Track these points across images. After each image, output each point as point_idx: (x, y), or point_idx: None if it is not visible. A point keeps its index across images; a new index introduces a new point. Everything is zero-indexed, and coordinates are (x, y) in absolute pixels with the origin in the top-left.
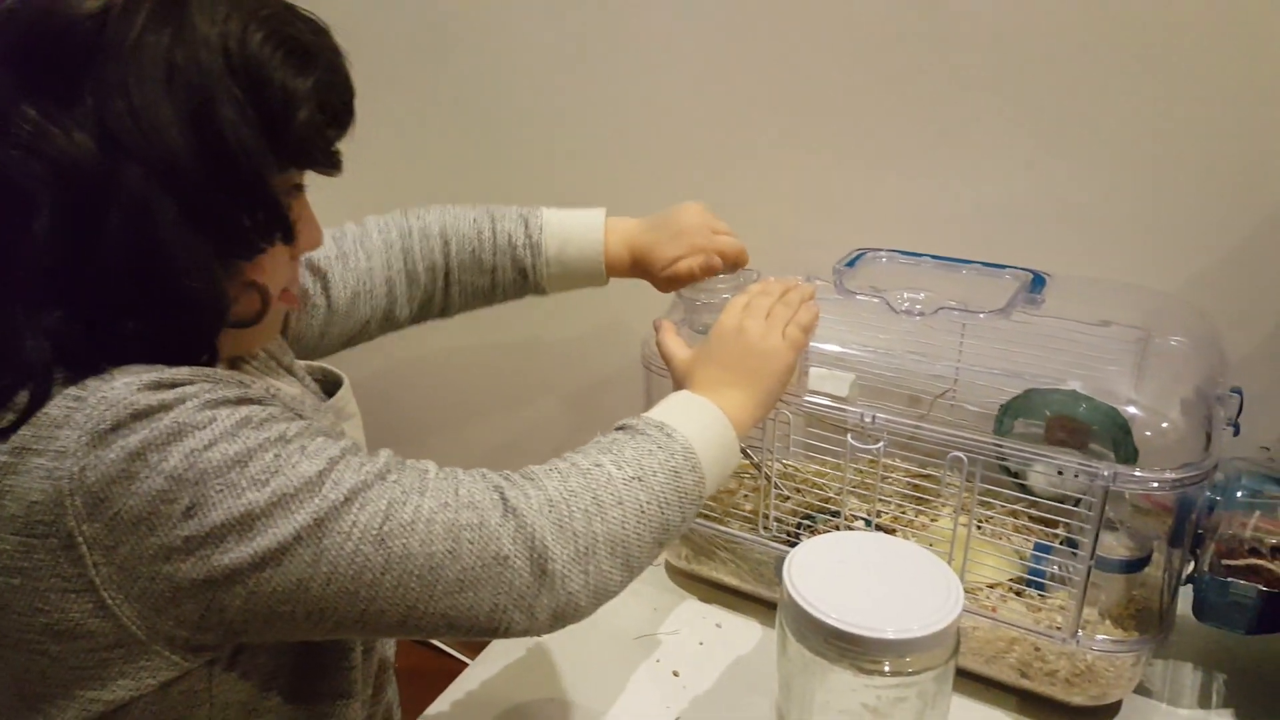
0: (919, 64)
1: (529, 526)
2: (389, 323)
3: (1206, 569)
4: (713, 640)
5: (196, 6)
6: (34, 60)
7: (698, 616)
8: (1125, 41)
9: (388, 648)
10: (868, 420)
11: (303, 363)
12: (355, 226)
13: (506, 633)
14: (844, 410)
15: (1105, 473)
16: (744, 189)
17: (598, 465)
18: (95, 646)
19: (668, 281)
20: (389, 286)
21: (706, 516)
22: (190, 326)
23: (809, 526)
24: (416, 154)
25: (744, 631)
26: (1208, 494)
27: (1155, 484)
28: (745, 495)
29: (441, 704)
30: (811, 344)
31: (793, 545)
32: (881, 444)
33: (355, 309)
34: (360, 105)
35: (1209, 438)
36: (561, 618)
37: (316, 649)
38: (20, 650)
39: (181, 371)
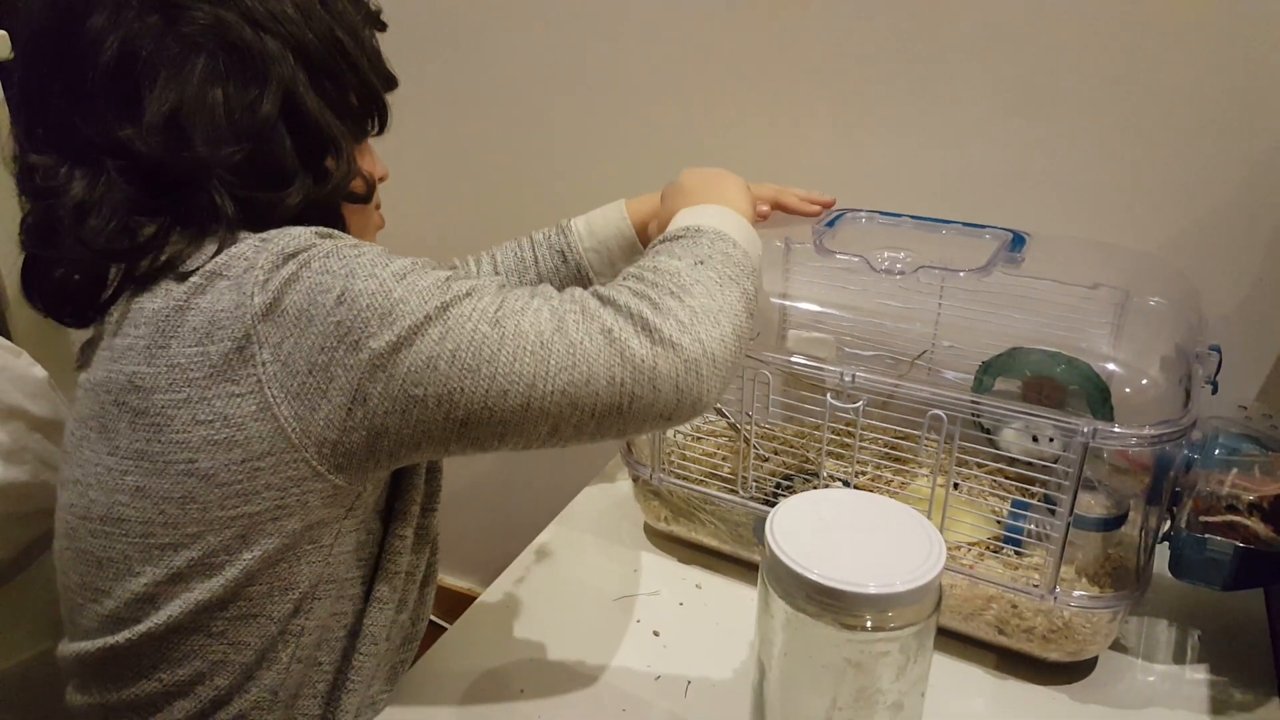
0: (899, 26)
1: (627, 307)
2: None
3: (1184, 526)
4: (693, 601)
5: None
6: None
7: (677, 577)
8: (1106, 3)
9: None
10: (847, 380)
11: None
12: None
13: (634, 412)
14: (823, 370)
15: (1085, 429)
16: (723, 151)
17: (657, 268)
18: (249, 455)
19: None
20: None
21: (685, 477)
22: (326, 187)
23: (787, 488)
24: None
25: (724, 592)
26: (1185, 452)
27: (1134, 440)
28: (724, 456)
29: (422, 667)
30: (790, 304)
31: (771, 506)
32: (861, 404)
33: None
34: None
35: (1188, 395)
36: (686, 390)
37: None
38: (168, 476)
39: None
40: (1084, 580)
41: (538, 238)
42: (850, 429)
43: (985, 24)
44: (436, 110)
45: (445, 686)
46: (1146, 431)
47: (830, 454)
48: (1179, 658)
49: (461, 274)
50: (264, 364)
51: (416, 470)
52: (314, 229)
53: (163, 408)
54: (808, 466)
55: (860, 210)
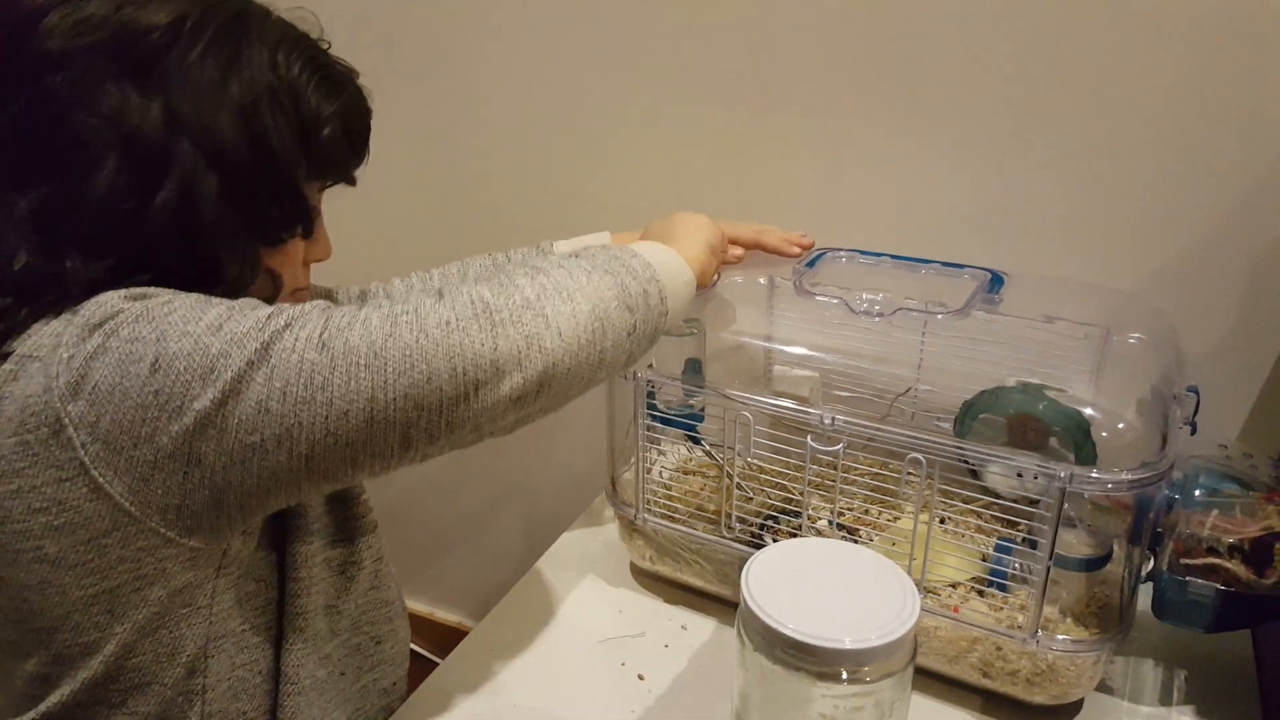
0: (879, 64)
1: (466, 295)
2: None
3: (1165, 568)
4: (678, 642)
5: (255, 33)
6: (121, 52)
7: (663, 618)
8: (1081, 43)
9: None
10: (827, 422)
11: None
12: (379, 281)
13: (482, 401)
14: (804, 412)
15: (1062, 474)
16: (702, 188)
17: (524, 261)
18: (93, 534)
19: None
20: None
21: (670, 518)
22: (210, 289)
23: (772, 527)
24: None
25: (709, 633)
26: (1166, 492)
27: (1111, 485)
28: (709, 495)
29: (411, 705)
30: (774, 345)
31: (756, 546)
32: (841, 445)
33: None
34: None
35: (1165, 438)
36: (530, 368)
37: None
38: (20, 565)
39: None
40: (1069, 621)
41: (516, 257)
42: (834, 469)
43: (963, 63)
44: (424, 118)
45: None
46: (1123, 476)
47: (815, 492)
48: (1165, 699)
49: (285, 307)
50: (83, 445)
51: (309, 507)
52: (125, 291)
53: (0, 501)
54: (792, 506)
55: (840, 249)
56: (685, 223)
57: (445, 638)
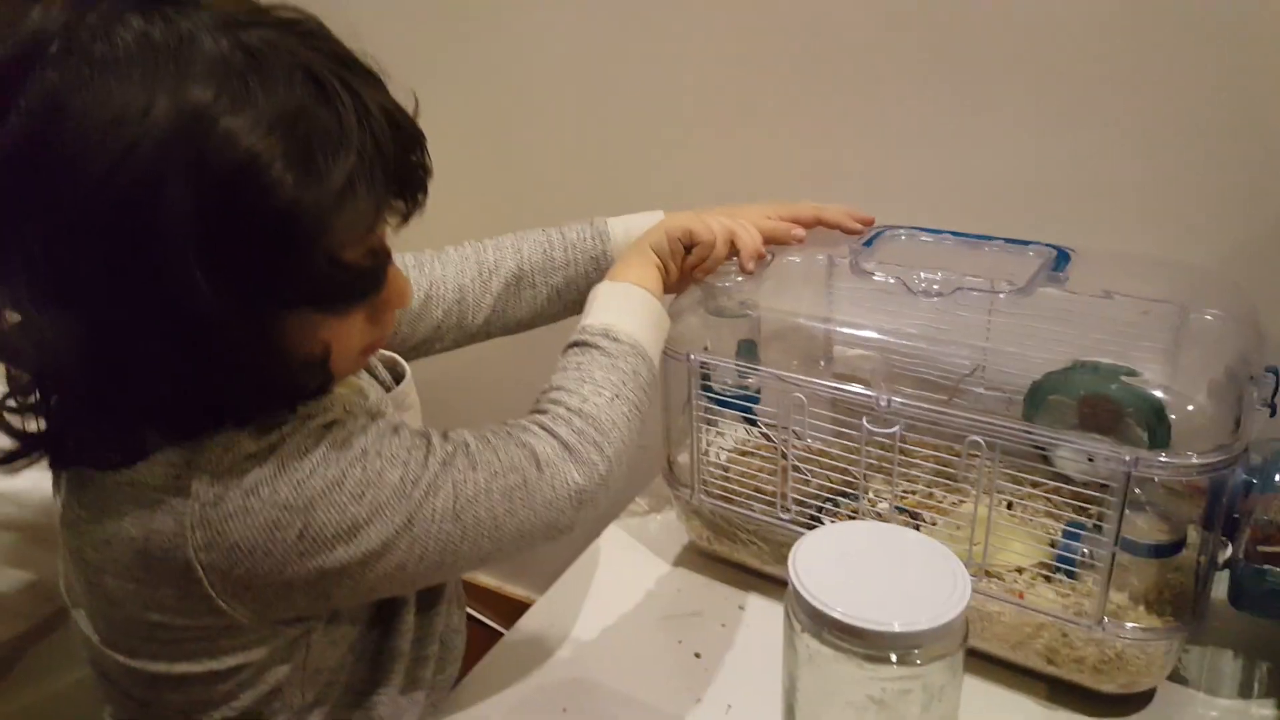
0: (938, 34)
1: (561, 475)
2: (462, 330)
3: (1242, 556)
4: (735, 622)
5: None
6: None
7: (721, 598)
8: (1152, 2)
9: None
10: (882, 404)
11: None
12: (432, 251)
13: (567, 531)
14: (858, 394)
15: (1126, 457)
16: (759, 167)
17: (585, 400)
18: (207, 634)
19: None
20: (460, 293)
21: (726, 499)
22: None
23: (831, 510)
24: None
25: (766, 613)
26: (1243, 476)
27: (1179, 469)
28: (766, 477)
29: (474, 678)
30: (834, 325)
31: (813, 527)
32: (898, 428)
33: (427, 311)
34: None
35: (1238, 420)
36: (603, 490)
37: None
38: (133, 638)
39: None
40: (1141, 608)
41: (571, 237)
42: (899, 449)
43: (1026, 30)
44: (475, 93)
45: (493, 701)
46: (1192, 460)
47: (879, 474)
48: (1245, 691)
49: (414, 449)
50: (212, 584)
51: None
52: (253, 439)
53: (113, 589)
54: (852, 489)
55: (900, 227)
56: (635, 245)
57: (514, 610)
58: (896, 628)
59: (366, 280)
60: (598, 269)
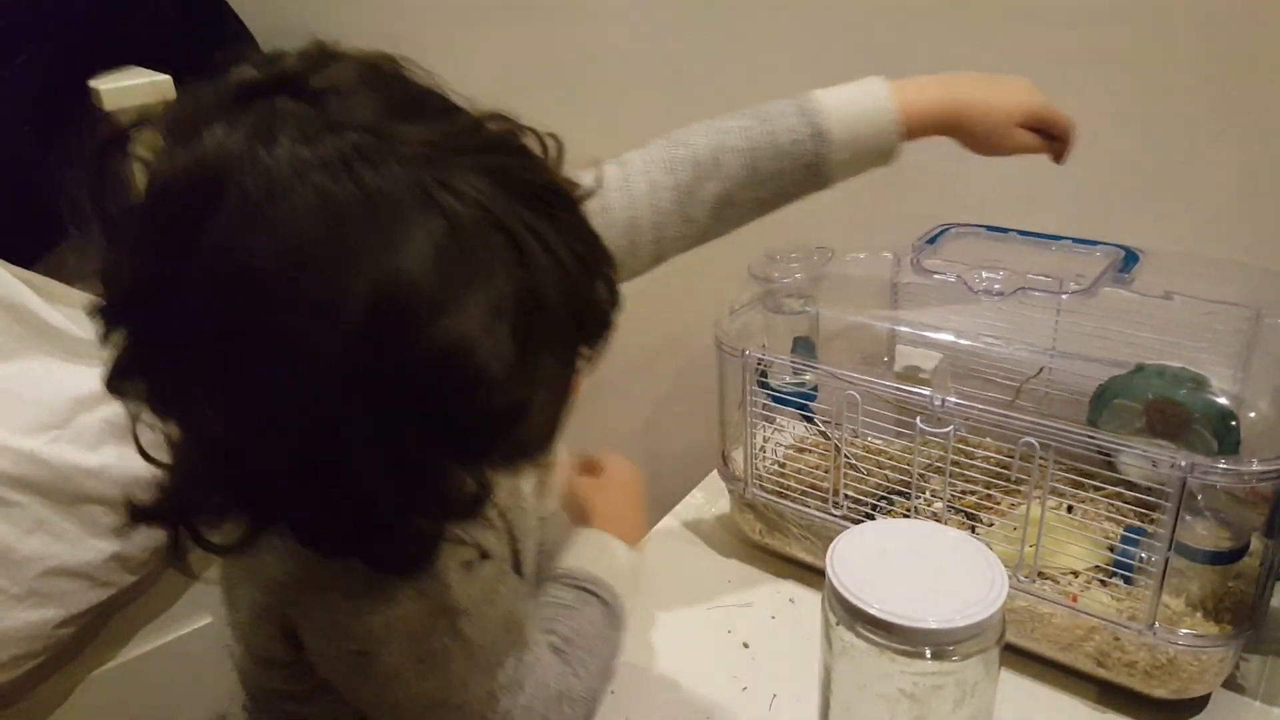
0: (1005, 29)
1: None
2: (657, 263)
3: None
4: (785, 614)
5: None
6: None
7: (772, 590)
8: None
9: None
10: (936, 404)
11: None
12: (617, 169)
13: None
14: (913, 393)
15: (1182, 463)
16: None
17: (589, 670)
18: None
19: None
20: (658, 231)
21: (780, 494)
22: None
23: (885, 509)
24: None
25: (816, 607)
26: None
27: (1236, 475)
28: (822, 474)
29: None
30: (897, 324)
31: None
32: (952, 428)
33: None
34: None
35: None
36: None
37: None
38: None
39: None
40: (1198, 615)
41: (783, 143)
42: (956, 449)
43: (1103, 24)
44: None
45: None
46: (1253, 467)
47: (935, 475)
48: None
49: (498, 678)
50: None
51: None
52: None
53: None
54: (908, 488)
55: (965, 225)
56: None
57: None
58: (929, 624)
59: (552, 439)
60: (812, 177)
